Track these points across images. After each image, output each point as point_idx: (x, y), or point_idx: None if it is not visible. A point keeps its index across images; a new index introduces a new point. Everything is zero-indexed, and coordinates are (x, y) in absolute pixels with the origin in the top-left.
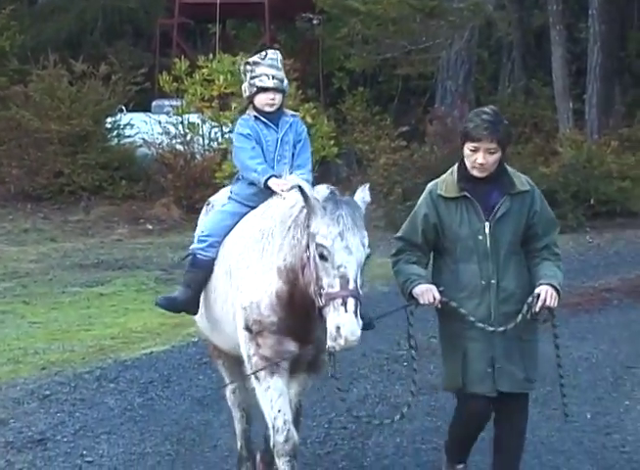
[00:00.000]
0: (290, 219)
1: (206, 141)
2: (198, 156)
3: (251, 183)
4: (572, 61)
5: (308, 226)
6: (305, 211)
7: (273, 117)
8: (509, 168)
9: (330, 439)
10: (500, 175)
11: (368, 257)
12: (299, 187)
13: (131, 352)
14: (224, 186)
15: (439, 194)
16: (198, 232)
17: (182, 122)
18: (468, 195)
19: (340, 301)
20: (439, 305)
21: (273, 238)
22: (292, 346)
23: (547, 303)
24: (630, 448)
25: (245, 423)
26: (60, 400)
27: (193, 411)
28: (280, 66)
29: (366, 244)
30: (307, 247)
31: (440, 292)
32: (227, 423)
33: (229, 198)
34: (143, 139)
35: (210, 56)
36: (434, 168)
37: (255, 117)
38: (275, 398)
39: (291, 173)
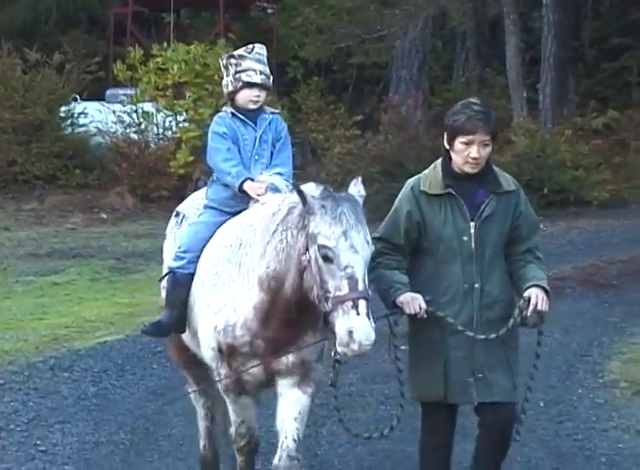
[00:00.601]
0: (274, 225)
1: (161, 130)
2: (152, 144)
3: (227, 186)
4: (526, 50)
5: (305, 227)
6: (296, 212)
7: (252, 115)
8: (495, 167)
9: None
10: (486, 173)
11: (372, 255)
12: (298, 188)
13: (85, 341)
14: (179, 175)
15: (422, 190)
16: (168, 248)
17: (136, 111)
18: (453, 192)
19: (350, 303)
20: (425, 316)
21: (251, 248)
22: (258, 369)
23: (538, 306)
24: (583, 436)
25: (209, 420)
26: (13, 390)
27: (147, 400)
28: (266, 61)
29: (370, 241)
30: (306, 249)
31: (427, 302)
32: (181, 412)
33: (205, 206)
34: (97, 128)
35: (165, 45)
36: (388, 157)
37: (233, 114)
38: (242, 410)
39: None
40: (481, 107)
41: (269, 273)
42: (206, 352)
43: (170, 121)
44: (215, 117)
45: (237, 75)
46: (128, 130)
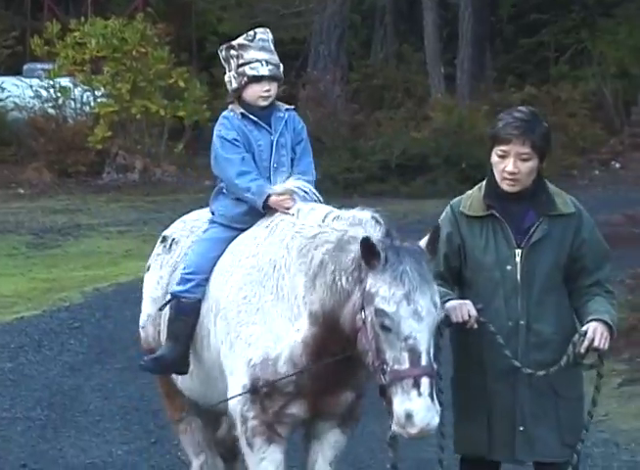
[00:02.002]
0: (318, 252)
1: (78, 105)
2: (70, 120)
3: (239, 199)
4: (444, 26)
5: (362, 281)
6: (351, 254)
7: (264, 114)
8: (550, 186)
9: None
10: (537, 192)
11: (441, 320)
12: (367, 241)
13: (2, 316)
14: (96, 151)
15: (462, 211)
16: (152, 279)
17: (54, 86)
18: (496, 214)
19: (410, 381)
20: (475, 325)
21: (289, 272)
22: (300, 409)
23: (595, 343)
24: None
25: None
26: None
27: (64, 376)
28: (272, 47)
29: (438, 303)
30: (362, 308)
31: (478, 310)
32: (98, 388)
33: (211, 221)
34: (14, 103)
35: (82, 19)
36: (308, 133)
37: (243, 114)
38: (269, 465)
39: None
40: (526, 114)
41: (325, 311)
42: (233, 392)
43: (88, 96)
44: (221, 118)
45: (240, 69)
46: (46, 105)
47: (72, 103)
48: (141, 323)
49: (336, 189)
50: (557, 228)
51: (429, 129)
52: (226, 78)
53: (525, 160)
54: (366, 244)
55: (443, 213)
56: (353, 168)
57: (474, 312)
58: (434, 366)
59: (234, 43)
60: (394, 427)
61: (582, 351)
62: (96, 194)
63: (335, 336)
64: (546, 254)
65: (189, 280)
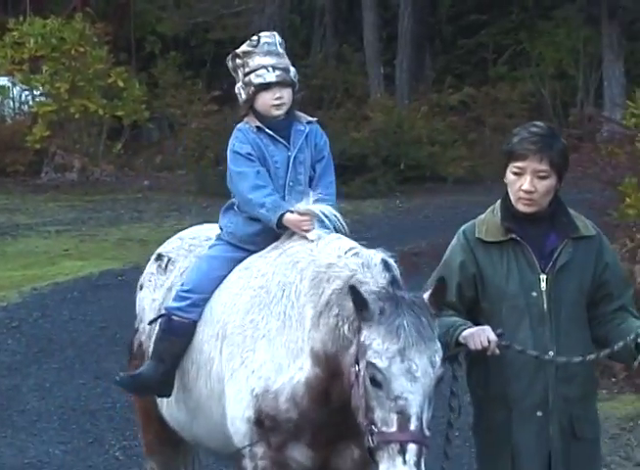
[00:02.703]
0: (328, 288)
1: (17, 104)
2: (8, 119)
3: (252, 218)
4: (384, 26)
5: (359, 329)
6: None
7: (282, 127)
8: (569, 209)
9: None
10: (557, 214)
11: (440, 379)
12: (353, 288)
13: None
14: (35, 150)
15: (478, 237)
16: (145, 302)
17: None
18: (517, 238)
19: (396, 447)
20: (497, 351)
21: (298, 301)
22: (303, 455)
23: None
24: None
25: None
26: None
27: (1, 376)
28: (281, 50)
29: (438, 363)
30: (357, 361)
31: (499, 335)
32: (35, 388)
33: (218, 237)
34: None
35: (21, 18)
36: None
37: (258, 127)
38: None
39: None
40: (543, 129)
41: (327, 352)
42: (238, 425)
43: (27, 96)
44: (235, 131)
45: (246, 78)
46: None
47: (11, 102)
48: (134, 347)
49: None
50: (580, 252)
51: (368, 129)
52: (236, 90)
53: (542, 178)
54: (353, 292)
55: (454, 240)
56: None
57: (493, 337)
58: (426, 433)
59: (238, 51)
60: None
61: None
62: (34, 193)
63: (338, 383)
64: (572, 279)
65: (185, 298)
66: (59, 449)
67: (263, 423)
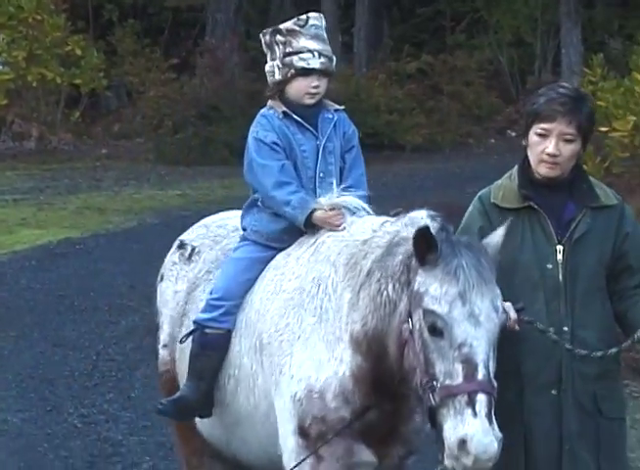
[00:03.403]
0: (367, 261)
1: None
2: None
3: (279, 215)
4: None
5: (409, 283)
6: (399, 256)
7: (310, 114)
8: (590, 177)
9: (98, 371)
10: (577, 182)
11: (504, 326)
12: (422, 229)
13: None
14: None
15: (494, 203)
16: (168, 294)
17: None
18: (534, 205)
19: (464, 399)
20: (517, 327)
21: (335, 292)
22: (368, 455)
23: None
24: None
25: None
26: None
27: None
28: (325, 36)
29: (500, 308)
30: (409, 315)
31: (519, 310)
32: None
33: (243, 238)
34: None
35: None
36: (204, 101)
37: (285, 113)
38: None
39: (337, 196)
40: (572, 91)
41: (367, 333)
42: (285, 441)
43: None
44: (258, 117)
45: (287, 59)
46: None
47: None
48: (161, 342)
49: (233, 157)
50: (600, 222)
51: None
52: (267, 68)
53: (568, 141)
54: (422, 233)
55: (471, 206)
56: None
57: (513, 314)
58: (494, 384)
59: (282, 27)
60: (446, 461)
61: None
62: None
63: (384, 367)
64: (590, 250)
65: (216, 307)
66: (17, 418)
67: (309, 432)
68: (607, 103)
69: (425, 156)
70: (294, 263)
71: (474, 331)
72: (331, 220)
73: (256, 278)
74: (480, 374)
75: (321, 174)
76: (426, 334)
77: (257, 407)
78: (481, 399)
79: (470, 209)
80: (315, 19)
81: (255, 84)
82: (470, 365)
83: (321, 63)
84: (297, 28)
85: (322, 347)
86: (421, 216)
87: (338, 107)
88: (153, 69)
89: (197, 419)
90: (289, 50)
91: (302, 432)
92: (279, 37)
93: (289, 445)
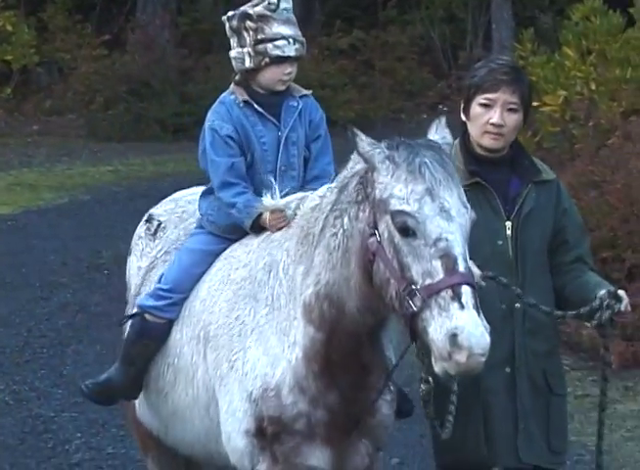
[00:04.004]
0: (318, 222)
1: None
2: None
3: None
4: None
5: (369, 196)
6: (351, 185)
7: (274, 103)
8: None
9: (29, 347)
10: (519, 157)
11: (474, 223)
12: (350, 130)
13: None
14: None
15: None
16: (134, 268)
17: None
18: (482, 182)
19: (449, 293)
20: (482, 283)
21: (287, 273)
22: (319, 457)
23: (623, 307)
24: None
25: None
26: None
27: None
28: (295, 19)
29: (467, 204)
30: (374, 227)
31: (479, 266)
32: None
33: (200, 226)
34: None
35: None
36: (135, 77)
37: (246, 102)
38: None
39: (292, 192)
40: (512, 62)
41: (319, 291)
42: (235, 441)
43: None
44: (217, 104)
45: (259, 47)
46: None
47: None
48: (122, 321)
49: (165, 134)
50: (542, 197)
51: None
52: (234, 54)
53: (512, 110)
54: (354, 132)
55: None
56: (182, 113)
57: (477, 270)
58: (475, 278)
59: (251, 12)
60: (437, 365)
61: (622, 308)
62: None
63: (343, 337)
64: (536, 226)
65: (164, 297)
66: None
67: (265, 433)
68: (537, 77)
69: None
70: (241, 252)
71: (447, 225)
72: (275, 224)
73: (206, 270)
74: (461, 266)
75: (282, 167)
76: (397, 238)
77: (196, 400)
78: (467, 290)
79: None
80: (286, 1)
81: (186, 61)
82: (449, 259)
83: (296, 49)
84: (269, 13)
85: (275, 339)
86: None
87: (305, 92)
88: (84, 45)
89: (136, 407)
90: (261, 37)
91: (258, 433)
92: (249, 23)
93: (240, 444)
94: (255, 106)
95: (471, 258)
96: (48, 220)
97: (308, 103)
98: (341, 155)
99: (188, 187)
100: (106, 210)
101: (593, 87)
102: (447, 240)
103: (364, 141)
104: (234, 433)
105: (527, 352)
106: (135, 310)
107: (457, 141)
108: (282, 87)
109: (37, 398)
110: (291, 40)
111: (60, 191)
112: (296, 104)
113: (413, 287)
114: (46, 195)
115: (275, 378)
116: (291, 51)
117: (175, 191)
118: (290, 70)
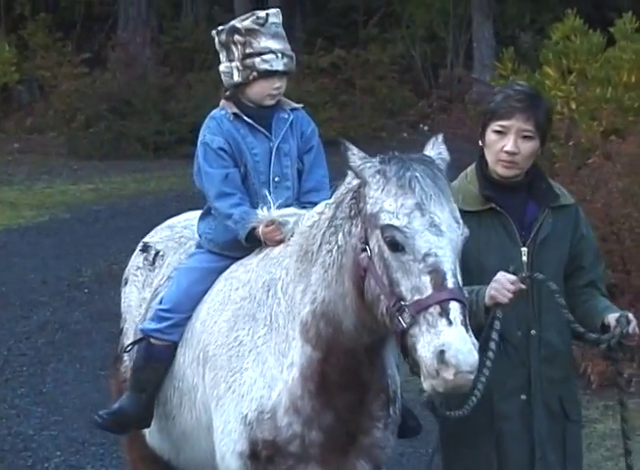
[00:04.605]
0: (316, 240)
1: None
2: None
3: None
4: None
5: (360, 211)
6: (345, 202)
7: (263, 115)
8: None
9: (9, 365)
10: (537, 181)
11: (466, 240)
12: (343, 144)
13: None
14: None
15: None
16: (132, 299)
17: None
18: (497, 207)
19: (436, 309)
20: (523, 286)
21: (286, 293)
22: None
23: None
24: None
25: None
26: None
27: None
28: (284, 33)
29: (460, 220)
30: (366, 242)
31: (513, 272)
32: None
33: (198, 246)
34: None
35: None
36: (116, 95)
37: (236, 115)
38: None
39: (288, 205)
40: (529, 88)
41: (316, 310)
42: (228, 462)
43: None
44: (208, 120)
45: (248, 61)
46: None
47: None
48: (126, 354)
49: (146, 152)
50: (559, 222)
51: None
52: (223, 68)
53: (526, 138)
54: (346, 146)
55: None
56: (164, 131)
57: (512, 276)
58: (466, 294)
59: (239, 26)
60: (425, 383)
61: (630, 331)
62: None
63: (340, 355)
64: (552, 251)
65: (165, 318)
66: None
67: (259, 456)
68: None
69: (338, 150)
70: (242, 271)
71: (437, 240)
72: (270, 236)
73: (207, 290)
74: (450, 282)
75: (276, 178)
76: (387, 253)
77: (199, 422)
78: (455, 306)
79: None
80: (274, 16)
81: (168, 78)
82: (438, 274)
83: (284, 63)
84: (257, 27)
85: (273, 360)
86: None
87: (295, 105)
88: (65, 63)
89: (147, 436)
90: (249, 51)
91: (252, 455)
92: (237, 37)
93: (233, 466)
94: (245, 118)
95: (485, 284)
96: (28, 239)
97: (299, 116)
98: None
99: (169, 205)
100: (86, 228)
101: (573, 106)
102: (437, 255)
103: (356, 155)
104: (228, 453)
105: (543, 378)
106: (140, 336)
107: (473, 166)
108: (271, 102)
109: (17, 415)
110: (279, 54)
111: (40, 209)
112: (286, 116)
113: (402, 303)
114: (26, 213)
115: (271, 400)
116: (279, 65)
117: (157, 208)
118: (278, 84)
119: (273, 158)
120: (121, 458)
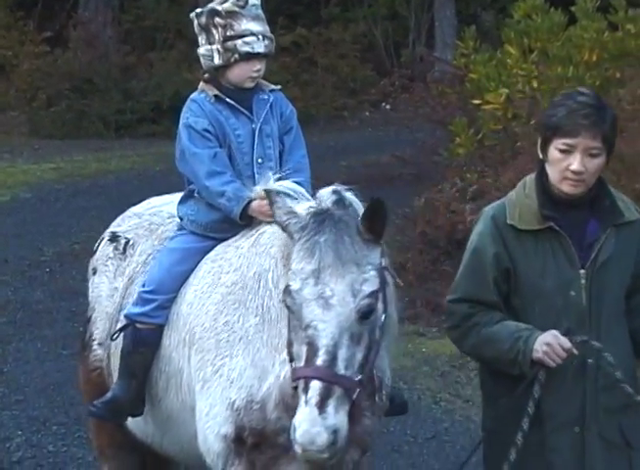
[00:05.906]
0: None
1: None
2: None
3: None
4: None
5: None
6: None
7: (244, 97)
8: (612, 189)
9: None
10: (601, 198)
11: (367, 313)
12: (269, 196)
13: None
14: None
15: (510, 224)
16: (102, 290)
17: None
18: (556, 227)
19: (302, 384)
20: (576, 351)
21: (277, 288)
22: (303, 466)
23: None
24: None
25: None
26: None
27: None
28: (263, 15)
29: (363, 292)
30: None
31: (566, 334)
32: None
33: (180, 228)
34: None
35: None
36: (77, 74)
37: (217, 97)
38: None
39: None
40: (593, 99)
41: None
42: (211, 443)
43: None
44: (188, 102)
45: (228, 44)
46: None
47: None
48: (95, 339)
49: (108, 131)
50: (622, 240)
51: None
52: (203, 51)
53: (593, 155)
54: (273, 199)
55: (481, 225)
56: (125, 110)
57: (567, 343)
58: (340, 373)
59: (219, 9)
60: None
61: None
62: None
63: None
64: (614, 274)
65: (149, 301)
66: None
67: (245, 440)
68: (479, 75)
69: (300, 128)
70: (232, 254)
71: (321, 313)
72: (264, 212)
73: (193, 270)
74: (320, 360)
75: (259, 159)
76: (287, 311)
77: (184, 404)
78: (315, 386)
79: (480, 228)
80: None
81: (129, 57)
82: (311, 349)
83: (265, 46)
84: (238, 9)
85: (265, 352)
86: (325, 193)
87: (273, 87)
88: (26, 42)
89: (129, 420)
90: (230, 33)
91: (237, 439)
92: (218, 20)
93: (215, 446)
94: (227, 99)
95: (542, 311)
96: None
97: (278, 97)
98: None
99: (131, 184)
100: (48, 207)
101: (535, 85)
102: (316, 329)
103: (281, 209)
104: (211, 435)
105: (599, 409)
106: (125, 322)
107: (532, 178)
108: (251, 84)
109: None
110: (260, 36)
111: (1, 188)
112: (266, 97)
113: (292, 364)
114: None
115: (262, 391)
116: (260, 47)
117: (118, 187)
118: (259, 66)
119: (256, 139)
120: (83, 438)
